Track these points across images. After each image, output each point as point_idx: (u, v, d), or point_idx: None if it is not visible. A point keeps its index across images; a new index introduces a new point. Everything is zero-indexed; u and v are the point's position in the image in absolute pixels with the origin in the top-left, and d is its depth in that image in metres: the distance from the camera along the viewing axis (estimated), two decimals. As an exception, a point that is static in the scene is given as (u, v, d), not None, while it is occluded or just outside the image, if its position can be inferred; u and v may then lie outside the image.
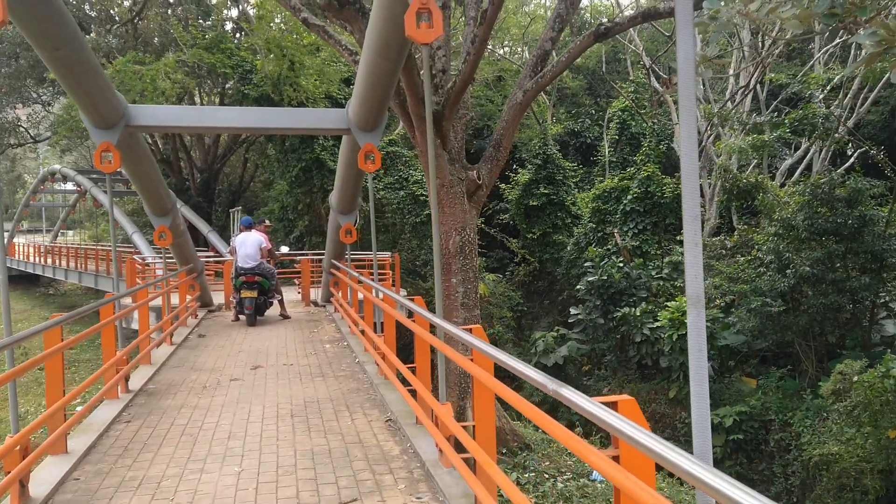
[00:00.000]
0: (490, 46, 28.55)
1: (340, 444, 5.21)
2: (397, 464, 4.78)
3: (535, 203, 23.18)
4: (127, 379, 6.94)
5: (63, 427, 4.83)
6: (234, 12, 28.55)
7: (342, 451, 5.06)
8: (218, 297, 14.32)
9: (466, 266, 11.25)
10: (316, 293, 15.02)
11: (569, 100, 32.90)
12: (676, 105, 21.79)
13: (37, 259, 35.58)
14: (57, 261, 31.78)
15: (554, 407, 14.16)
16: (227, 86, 25.79)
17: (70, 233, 51.60)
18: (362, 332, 8.73)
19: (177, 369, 8.09)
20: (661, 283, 18.01)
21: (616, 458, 2.47)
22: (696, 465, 1.67)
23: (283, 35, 21.23)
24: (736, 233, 19.12)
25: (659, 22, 21.50)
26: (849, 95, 20.93)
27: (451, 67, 11.47)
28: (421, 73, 9.22)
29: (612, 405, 2.46)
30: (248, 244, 11.52)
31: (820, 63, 23.68)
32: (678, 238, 20.05)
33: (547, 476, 10.74)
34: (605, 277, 17.65)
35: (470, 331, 3.92)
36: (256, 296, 11.48)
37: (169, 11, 26.62)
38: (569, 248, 21.87)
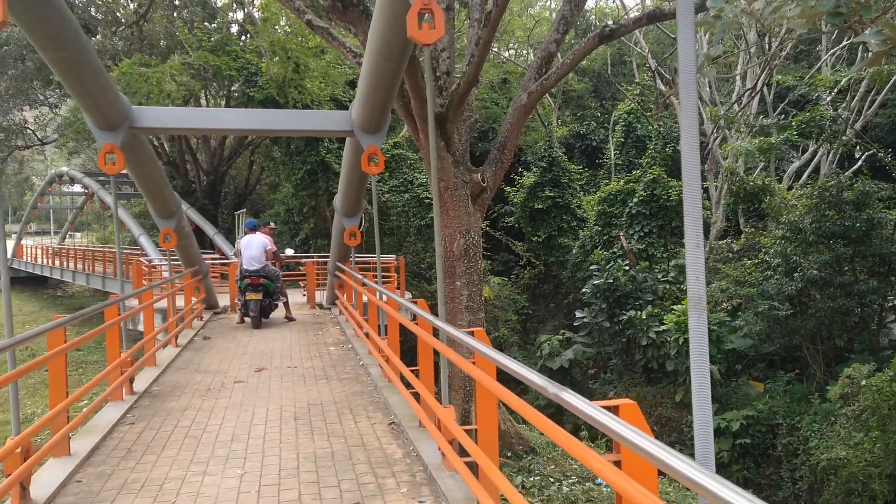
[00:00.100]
0: (495, 49, 28.55)
1: (343, 447, 5.19)
2: (400, 467, 4.76)
3: (540, 206, 23.12)
4: (132, 381, 6.94)
5: (66, 429, 4.82)
6: (240, 15, 28.68)
7: (345, 454, 5.04)
8: (223, 300, 14.38)
9: (471, 269, 11.22)
10: (321, 295, 15.03)
11: (574, 102, 32.86)
12: (682, 107, 21.70)
13: (45, 261, 35.71)
14: (65, 263, 31.91)
15: (559, 410, 14.10)
16: (233, 88, 25.85)
17: (78, 235, 51.77)
18: (366, 334, 8.72)
19: (181, 371, 8.10)
20: (667, 287, 17.94)
21: (618, 463, 2.45)
22: (697, 471, 1.63)
23: (288, 37, 21.29)
24: (743, 236, 19.05)
25: (664, 24, 21.42)
26: (856, 98, 20.85)
27: (455, 70, 11.46)
28: (424, 75, 9.21)
29: (614, 409, 2.43)
30: (253, 246, 11.54)
31: (827, 65, 23.57)
32: (684, 241, 19.97)
33: (552, 480, 10.68)
34: (611, 281, 17.60)
35: (472, 333, 3.89)
36: (261, 298, 11.49)
37: (174, 14, 26.72)
38: (574, 252, 21.80)
